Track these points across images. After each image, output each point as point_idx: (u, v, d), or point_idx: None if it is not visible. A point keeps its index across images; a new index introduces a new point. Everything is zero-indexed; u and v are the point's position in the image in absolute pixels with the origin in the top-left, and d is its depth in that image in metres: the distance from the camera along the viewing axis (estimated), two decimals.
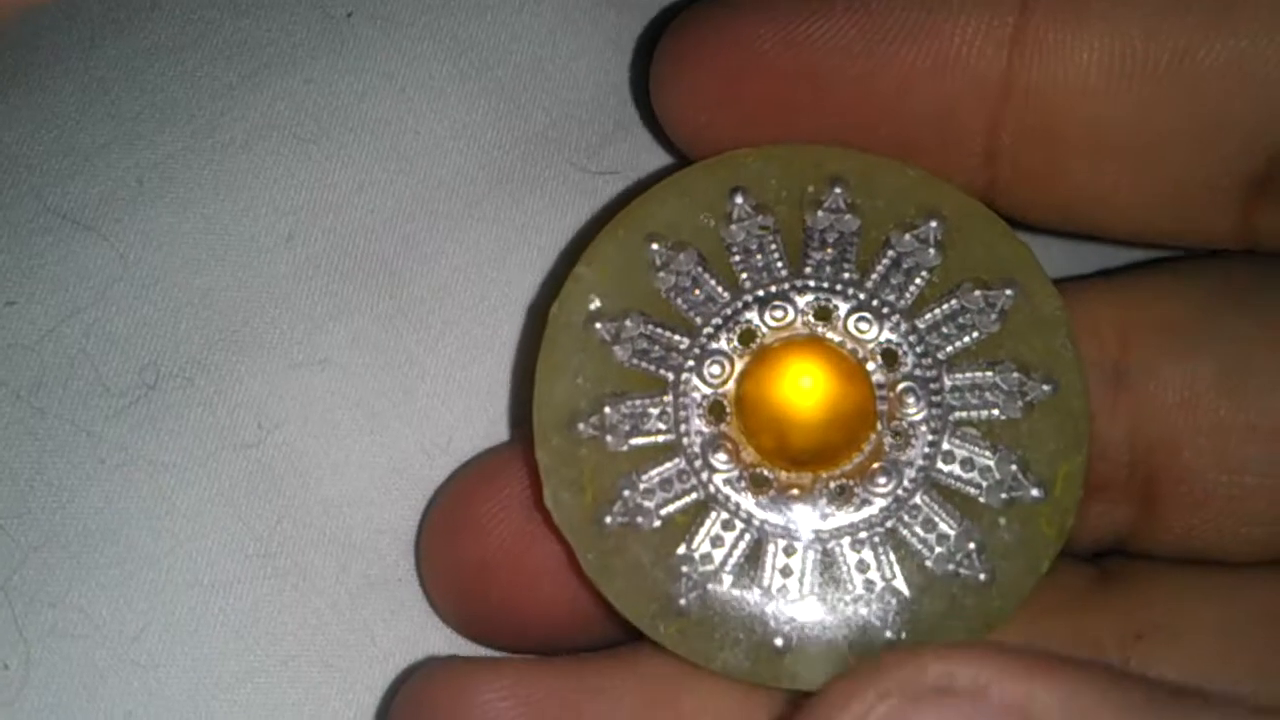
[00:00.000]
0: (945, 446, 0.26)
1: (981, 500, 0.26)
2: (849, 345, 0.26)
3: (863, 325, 0.26)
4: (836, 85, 0.28)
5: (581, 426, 0.26)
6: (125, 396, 0.29)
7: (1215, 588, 0.29)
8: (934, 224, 0.27)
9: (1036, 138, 0.27)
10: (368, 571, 0.29)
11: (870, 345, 0.26)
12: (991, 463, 0.26)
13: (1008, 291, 0.27)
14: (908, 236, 0.27)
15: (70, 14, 0.32)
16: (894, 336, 0.26)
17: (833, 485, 0.26)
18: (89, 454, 0.29)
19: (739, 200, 0.27)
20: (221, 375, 0.30)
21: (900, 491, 0.26)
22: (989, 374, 0.26)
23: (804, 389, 0.26)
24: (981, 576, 0.25)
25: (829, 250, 0.27)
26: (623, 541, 0.25)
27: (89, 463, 0.29)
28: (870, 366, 0.26)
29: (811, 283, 0.27)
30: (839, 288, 0.27)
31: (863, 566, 0.26)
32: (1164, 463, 0.28)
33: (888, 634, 0.25)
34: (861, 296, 0.27)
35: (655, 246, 0.27)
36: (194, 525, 0.29)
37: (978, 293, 0.26)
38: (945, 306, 0.27)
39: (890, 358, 0.26)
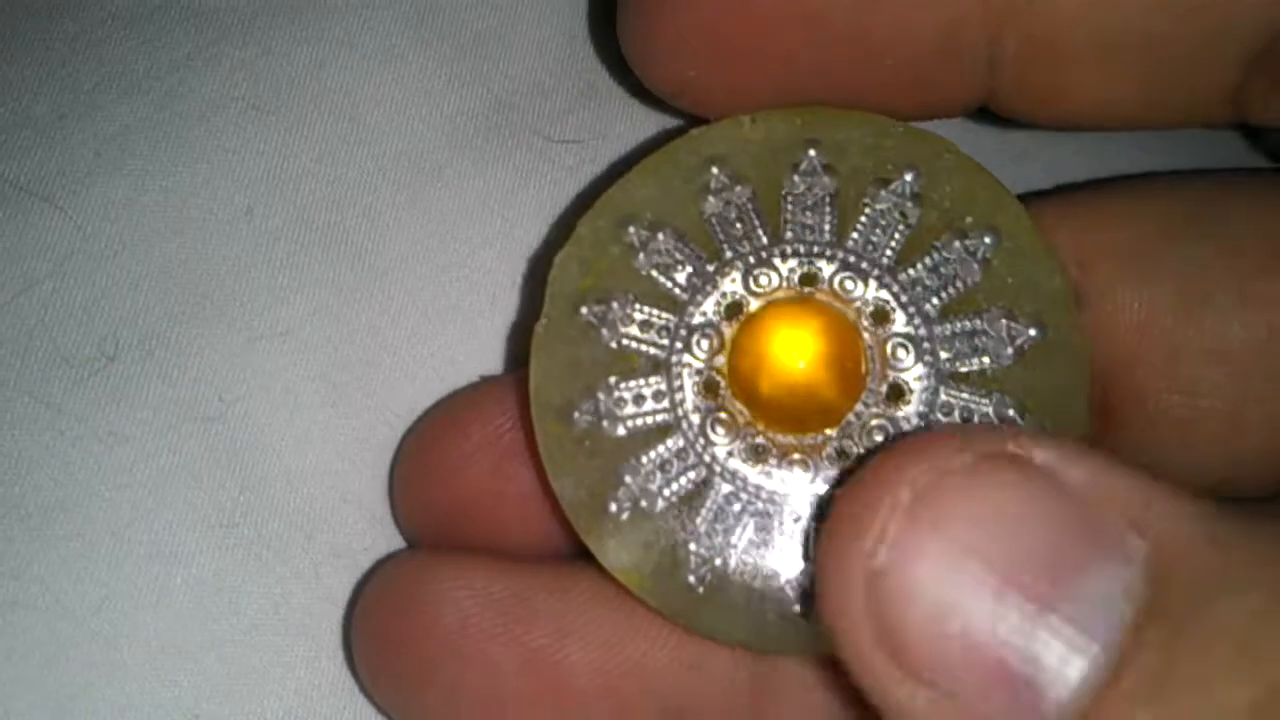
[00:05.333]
0: (941, 399, 0.26)
1: None
2: (837, 305, 0.26)
3: (849, 285, 0.26)
4: (833, 19, 0.27)
5: (577, 416, 0.26)
6: (84, 368, 0.29)
7: None
8: (909, 177, 0.26)
9: (1041, 49, 0.27)
10: (332, 541, 0.29)
11: (858, 304, 0.26)
12: (989, 409, 0.26)
13: (987, 239, 0.26)
14: (884, 192, 0.27)
15: None
16: (882, 294, 0.26)
17: (829, 448, 0.26)
18: (48, 425, 0.29)
19: (715, 171, 0.27)
20: (182, 348, 0.30)
21: None
22: (978, 323, 0.26)
23: (792, 349, 0.25)
24: None
25: (807, 214, 0.27)
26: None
27: (48, 434, 0.29)
28: (861, 325, 0.26)
29: (792, 248, 0.26)
30: (820, 249, 0.26)
31: None
32: (1118, 380, 0.29)
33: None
34: (844, 257, 0.26)
35: (632, 229, 0.27)
36: (155, 497, 0.29)
37: (957, 243, 0.26)
38: (927, 260, 0.26)
39: (880, 315, 0.26)
